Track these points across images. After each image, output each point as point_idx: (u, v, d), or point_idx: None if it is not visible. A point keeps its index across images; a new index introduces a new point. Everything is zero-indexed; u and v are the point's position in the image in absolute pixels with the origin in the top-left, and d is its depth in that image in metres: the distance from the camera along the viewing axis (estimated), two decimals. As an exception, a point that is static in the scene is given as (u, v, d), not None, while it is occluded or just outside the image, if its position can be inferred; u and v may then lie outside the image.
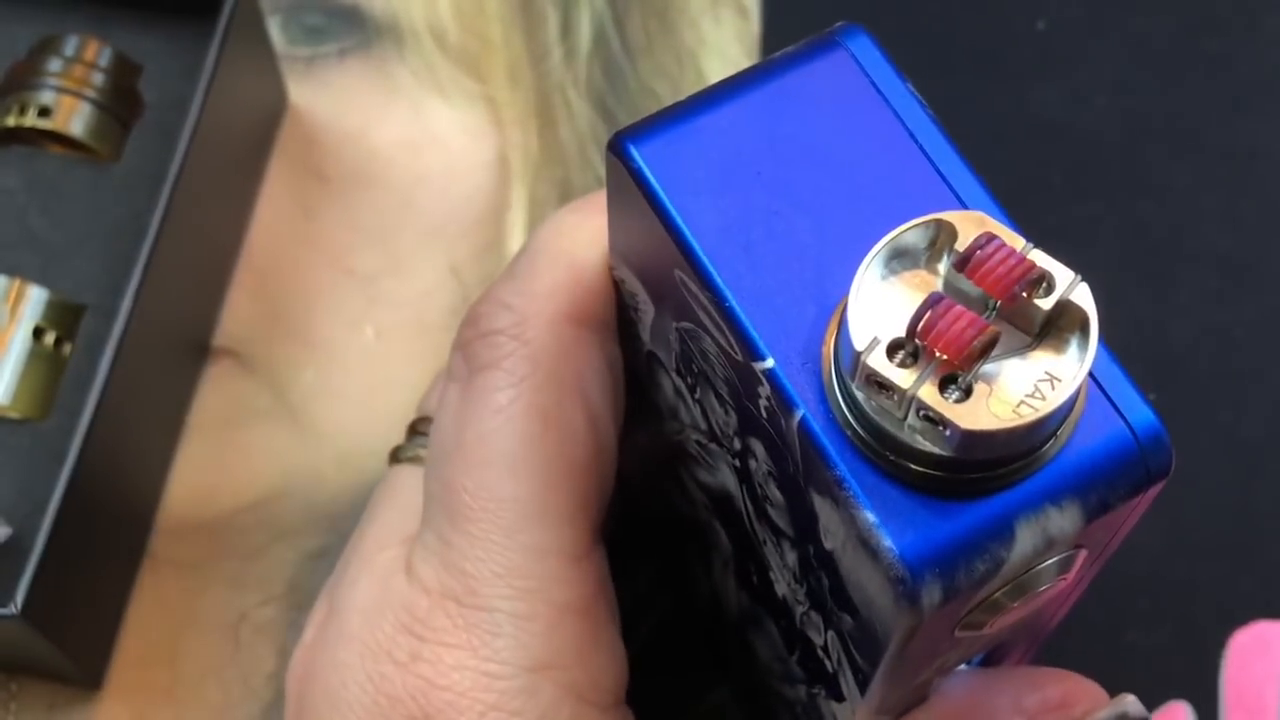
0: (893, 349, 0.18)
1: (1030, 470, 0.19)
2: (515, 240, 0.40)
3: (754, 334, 0.20)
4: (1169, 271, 0.40)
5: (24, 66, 0.37)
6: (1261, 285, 0.39)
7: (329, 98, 0.41)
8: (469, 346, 0.26)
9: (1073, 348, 0.18)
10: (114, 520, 0.35)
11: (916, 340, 0.18)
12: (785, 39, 0.23)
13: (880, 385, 0.19)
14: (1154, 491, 0.20)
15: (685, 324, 0.22)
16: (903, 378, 0.18)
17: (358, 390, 0.38)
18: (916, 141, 0.21)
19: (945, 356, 0.18)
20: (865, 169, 0.21)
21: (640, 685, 0.28)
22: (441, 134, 0.41)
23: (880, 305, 0.19)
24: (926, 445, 0.19)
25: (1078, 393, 0.19)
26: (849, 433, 0.19)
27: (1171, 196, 0.40)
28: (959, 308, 0.18)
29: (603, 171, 0.39)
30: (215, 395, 0.38)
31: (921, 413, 0.18)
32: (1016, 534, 0.19)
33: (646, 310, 0.24)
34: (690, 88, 0.42)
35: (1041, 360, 0.18)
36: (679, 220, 0.21)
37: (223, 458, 0.37)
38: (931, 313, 0.18)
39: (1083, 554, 0.21)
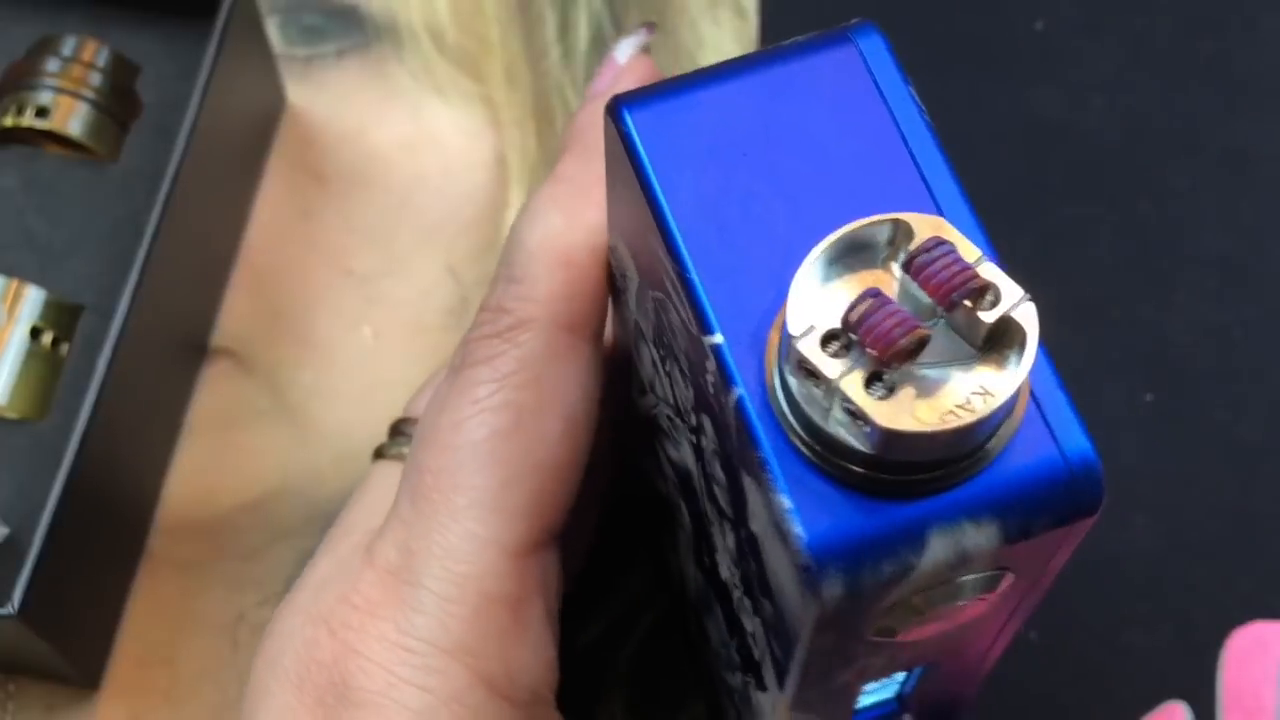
0: (829, 339, 0.18)
1: (953, 482, 0.19)
2: (513, 240, 0.40)
3: (708, 308, 0.20)
4: (1168, 272, 0.40)
5: (22, 66, 0.37)
6: (1260, 285, 0.39)
7: (327, 98, 0.41)
8: (466, 345, 0.27)
9: (1011, 365, 0.18)
10: (112, 520, 0.35)
11: (850, 333, 0.18)
12: (784, 38, 0.23)
13: (810, 373, 0.19)
14: (1083, 525, 0.20)
15: (658, 293, 0.22)
16: (831, 367, 0.18)
17: (356, 390, 0.38)
18: (907, 145, 0.21)
19: (874, 351, 0.18)
20: (850, 164, 0.21)
21: (637, 685, 0.28)
22: (439, 134, 0.41)
23: (828, 296, 0.19)
24: (848, 439, 0.19)
25: (1007, 410, 0.19)
26: (780, 418, 0.20)
27: (1170, 197, 0.40)
28: (893, 305, 0.18)
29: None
30: (213, 395, 0.38)
31: (845, 405, 0.18)
32: (929, 543, 0.19)
33: (632, 279, 0.25)
34: (689, 88, 0.42)
35: (980, 374, 0.18)
36: (657, 188, 0.21)
37: (221, 458, 0.37)
38: (864, 306, 0.18)
39: (1009, 578, 0.21)
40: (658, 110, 0.21)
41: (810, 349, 0.18)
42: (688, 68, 0.43)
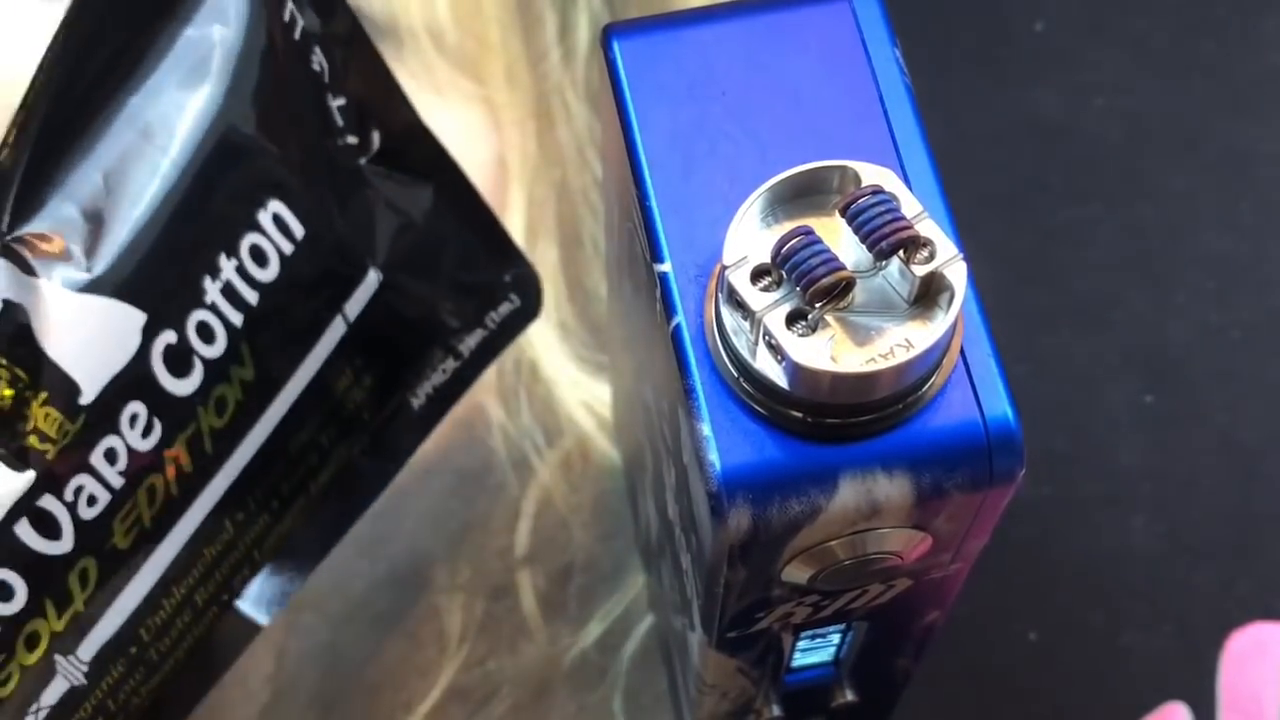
0: (761, 274, 0.19)
1: (872, 431, 0.19)
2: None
3: (660, 236, 0.21)
4: (1167, 273, 0.40)
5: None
6: (1259, 286, 0.39)
7: (327, 99, 0.41)
8: None
9: (936, 321, 0.19)
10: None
11: (780, 270, 0.19)
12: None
13: (740, 305, 0.19)
14: (1000, 494, 0.20)
15: (628, 223, 0.23)
16: (757, 299, 0.19)
17: (356, 391, 0.38)
18: (883, 103, 0.22)
19: (797, 287, 0.18)
20: (824, 115, 0.21)
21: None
22: (439, 135, 0.41)
23: (772, 236, 0.19)
24: (768, 375, 0.19)
25: (927, 365, 0.19)
26: (713, 350, 0.20)
27: (1169, 198, 0.40)
28: (820, 245, 0.18)
29: (600, 173, 0.39)
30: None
31: (768, 339, 0.19)
32: (840, 486, 0.19)
33: (612, 207, 0.25)
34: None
35: (908, 327, 0.19)
36: (632, 115, 0.21)
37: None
38: (792, 242, 0.18)
39: (925, 540, 0.21)
40: (645, 41, 0.22)
41: (740, 280, 0.19)
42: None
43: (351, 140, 0.30)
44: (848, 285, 0.19)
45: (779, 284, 0.19)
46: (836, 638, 0.26)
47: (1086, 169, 0.41)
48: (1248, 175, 0.40)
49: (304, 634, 0.36)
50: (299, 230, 0.28)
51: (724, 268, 0.19)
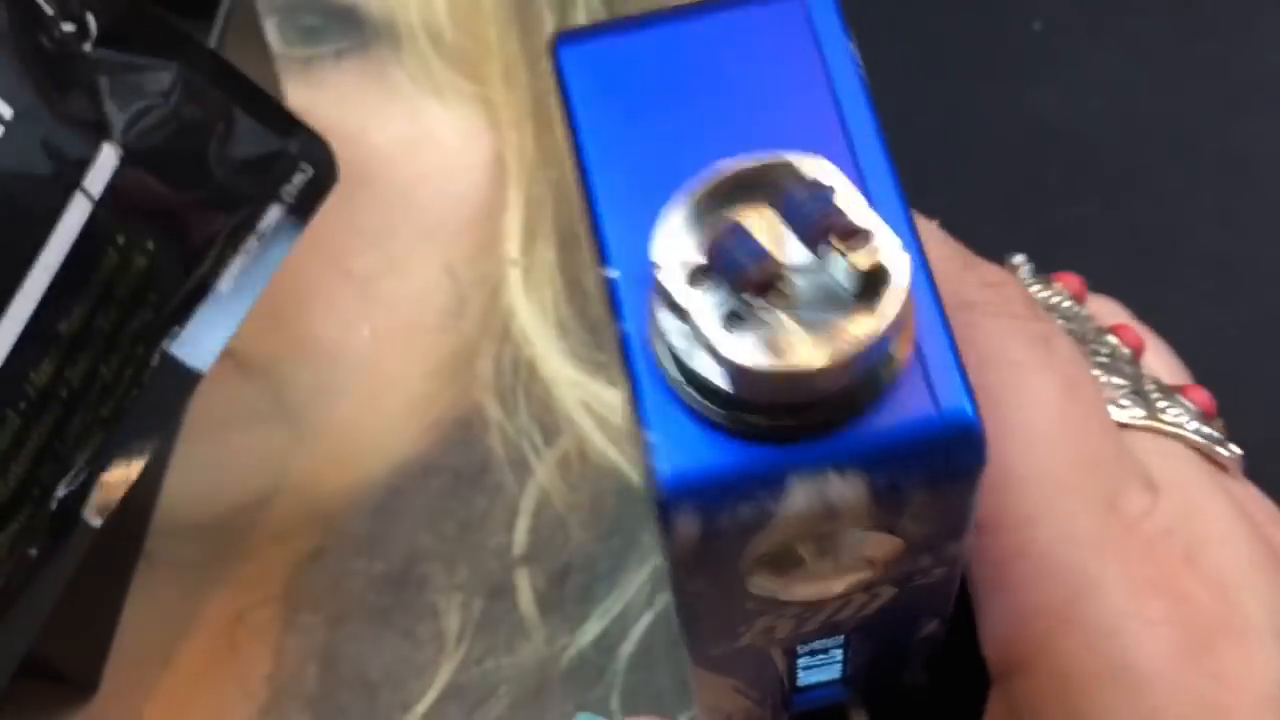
0: (699, 274, 0.18)
1: (821, 430, 0.19)
2: (511, 241, 0.40)
3: (607, 241, 0.20)
4: (1165, 273, 0.40)
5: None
6: (1257, 286, 0.39)
7: (325, 99, 0.41)
8: None
9: (879, 315, 0.18)
10: (110, 521, 0.35)
11: (714, 267, 0.18)
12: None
13: (674, 306, 0.18)
14: (964, 490, 0.20)
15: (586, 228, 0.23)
16: (690, 298, 0.18)
17: (355, 390, 0.38)
18: (836, 99, 0.21)
19: (727, 283, 0.18)
20: (776, 116, 0.21)
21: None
22: (438, 135, 0.41)
23: (711, 234, 0.18)
24: (710, 377, 0.18)
25: (871, 360, 0.18)
26: (657, 355, 0.19)
27: (1167, 198, 0.40)
28: (751, 239, 0.18)
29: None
30: (211, 396, 0.38)
31: (704, 340, 0.18)
32: (789, 488, 0.19)
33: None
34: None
35: (852, 321, 0.18)
36: (580, 121, 0.21)
37: (219, 459, 0.37)
38: (722, 237, 0.18)
39: (896, 544, 0.20)
40: (592, 49, 0.21)
41: (671, 280, 0.18)
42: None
43: (69, 28, 0.31)
44: (780, 279, 0.18)
45: (719, 285, 0.18)
46: (839, 653, 0.26)
47: (1084, 169, 0.41)
48: (1246, 175, 0.40)
49: (302, 633, 0.36)
50: (6, 112, 0.30)
51: (654, 268, 0.18)
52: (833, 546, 0.20)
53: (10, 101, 0.29)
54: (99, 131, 0.31)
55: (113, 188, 0.31)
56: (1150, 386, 0.28)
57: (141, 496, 0.36)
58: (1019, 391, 0.24)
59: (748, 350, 0.18)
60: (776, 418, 0.19)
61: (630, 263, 0.20)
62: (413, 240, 0.40)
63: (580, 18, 0.42)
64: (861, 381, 0.19)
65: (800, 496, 0.19)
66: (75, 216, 0.30)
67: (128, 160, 0.31)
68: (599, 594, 0.36)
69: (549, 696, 0.35)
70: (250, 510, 0.37)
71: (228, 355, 0.38)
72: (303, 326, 0.39)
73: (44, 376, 0.30)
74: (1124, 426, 0.26)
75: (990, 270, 0.26)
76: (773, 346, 0.18)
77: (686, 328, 0.18)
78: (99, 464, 0.32)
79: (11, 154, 0.29)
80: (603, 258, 0.20)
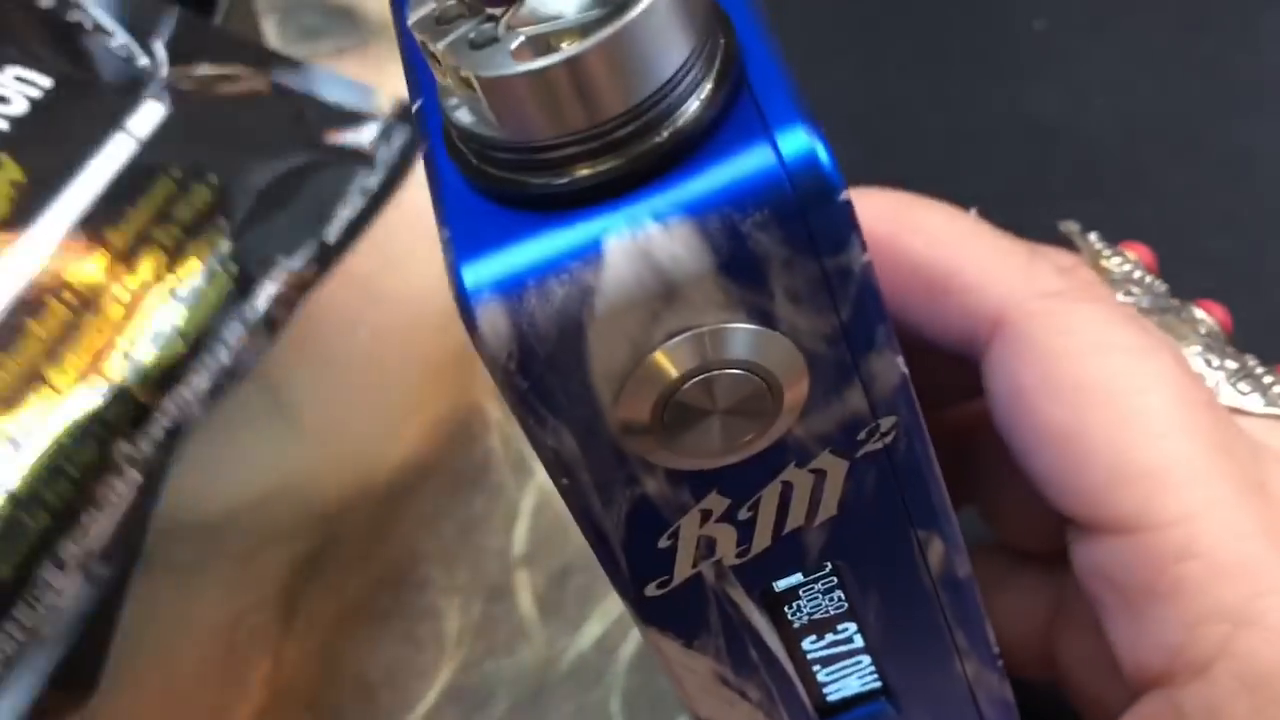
0: (448, 18, 0.16)
1: (632, 183, 0.16)
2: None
3: (418, 76, 0.19)
4: (1166, 273, 0.39)
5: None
6: (1259, 286, 0.39)
7: (324, 97, 0.41)
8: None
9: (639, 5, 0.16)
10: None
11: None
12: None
13: (433, 58, 0.16)
14: (836, 247, 0.17)
15: None
16: (436, 36, 0.16)
17: (352, 390, 0.38)
18: None
19: (470, 7, 0.16)
20: None
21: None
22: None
23: None
24: (477, 125, 0.16)
25: (645, 66, 0.16)
26: (447, 148, 0.17)
27: (1169, 197, 0.40)
28: None
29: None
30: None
31: (457, 75, 0.16)
32: (605, 251, 0.16)
33: None
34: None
35: (600, 27, 0.16)
36: None
37: (216, 458, 0.37)
38: None
39: (785, 347, 0.17)
40: None
41: (422, 29, 0.16)
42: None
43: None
44: None
45: (467, 18, 0.16)
46: (858, 638, 0.22)
47: (1086, 168, 0.41)
48: (1248, 174, 0.40)
49: (301, 635, 0.36)
50: (45, 81, 0.33)
51: (409, 27, 0.16)
52: (698, 350, 0.17)
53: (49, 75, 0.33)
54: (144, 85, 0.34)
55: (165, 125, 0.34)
56: (1256, 366, 0.27)
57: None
58: (1135, 376, 0.23)
59: (492, 59, 0.16)
60: (571, 169, 0.16)
61: (430, 87, 0.18)
62: (411, 239, 0.40)
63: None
64: (660, 115, 0.16)
65: (621, 261, 0.16)
66: (118, 149, 0.33)
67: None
68: (599, 596, 0.36)
69: (549, 698, 0.35)
70: (249, 511, 0.37)
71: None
72: (301, 326, 0.39)
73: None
74: (1240, 413, 0.25)
75: (1058, 254, 0.25)
76: (518, 54, 0.16)
77: (455, 93, 0.17)
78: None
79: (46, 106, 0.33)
80: (410, 92, 0.19)
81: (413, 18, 0.17)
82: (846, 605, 0.22)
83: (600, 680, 0.35)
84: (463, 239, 0.17)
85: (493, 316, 0.16)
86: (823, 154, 0.16)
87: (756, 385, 0.17)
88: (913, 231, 0.24)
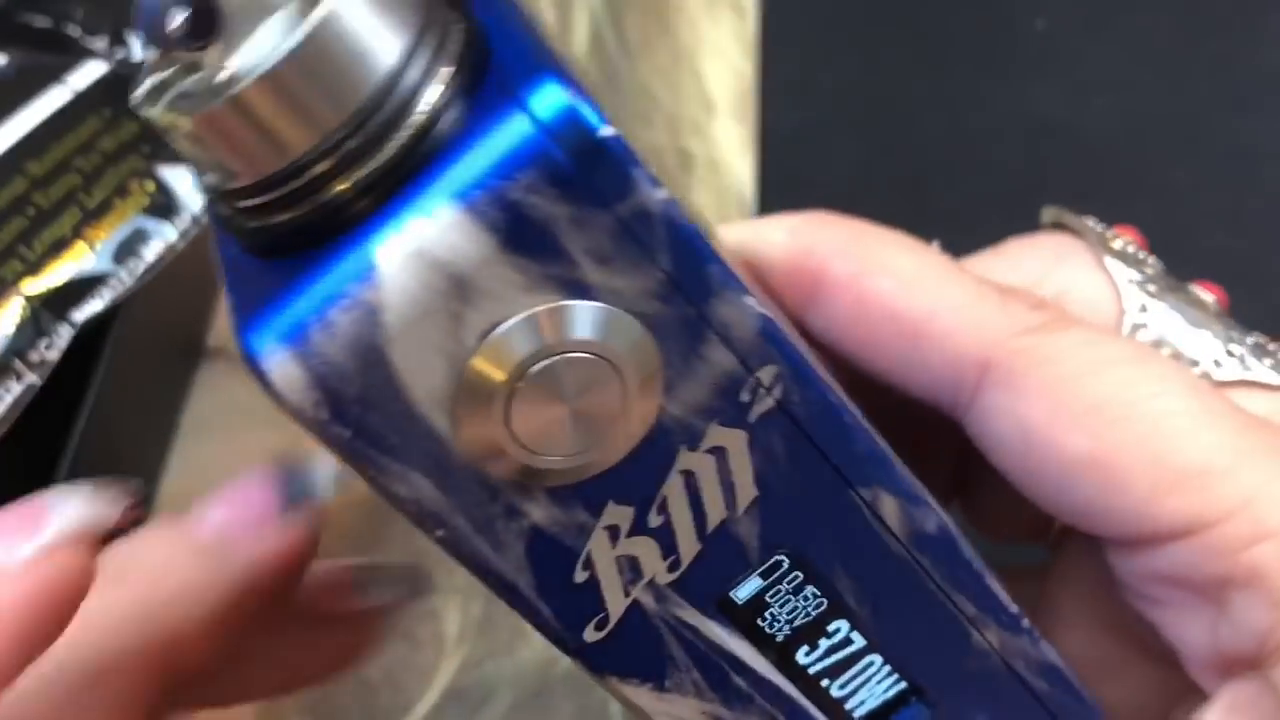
0: (159, 89, 0.16)
1: (387, 192, 0.15)
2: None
3: None
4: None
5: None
6: (1262, 285, 0.39)
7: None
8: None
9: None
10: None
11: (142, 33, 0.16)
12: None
13: (153, 124, 0.16)
14: (618, 194, 0.16)
15: None
16: (150, 104, 0.15)
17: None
18: None
19: (155, 46, 0.15)
20: None
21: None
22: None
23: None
24: (215, 179, 0.16)
25: (341, 66, 0.15)
26: (215, 214, 0.17)
27: (1171, 196, 0.40)
28: (146, 9, 0.15)
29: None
30: (209, 396, 0.38)
31: (168, 124, 0.15)
32: (378, 264, 0.15)
33: None
34: (687, 87, 0.42)
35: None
36: None
37: (217, 459, 0.37)
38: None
39: (605, 316, 0.16)
40: None
41: (141, 102, 0.16)
42: (685, 66, 0.43)
43: None
44: (201, 18, 0.15)
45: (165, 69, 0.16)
46: (852, 632, 0.20)
47: (1087, 167, 0.40)
48: (1249, 173, 0.40)
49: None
50: None
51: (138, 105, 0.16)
52: (539, 356, 0.16)
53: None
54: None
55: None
56: (1268, 342, 0.27)
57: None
58: (1144, 384, 0.22)
59: (196, 105, 0.15)
60: (315, 196, 0.15)
61: None
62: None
63: (580, 17, 0.42)
64: (390, 117, 0.15)
65: (398, 270, 0.15)
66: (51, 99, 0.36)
67: None
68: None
69: (548, 699, 0.35)
70: (249, 511, 0.37)
71: (226, 355, 0.38)
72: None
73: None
74: (1264, 387, 0.25)
75: (1024, 292, 0.25)
76: (213, 91, 0.15)
77: (188, 153, 0.16)
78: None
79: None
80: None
81: (136, 98, 0.16)
82: (824, 600, 0.20)
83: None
84: (243, 304, 0.16)
85: (283, 369, 0.15)
86: (576, 101, 0.15)
87: (597, 364, 0.16)
88: (879, 273, 0.23)
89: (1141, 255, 0.29)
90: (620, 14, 0.42)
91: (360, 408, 0.16)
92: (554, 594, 0.18)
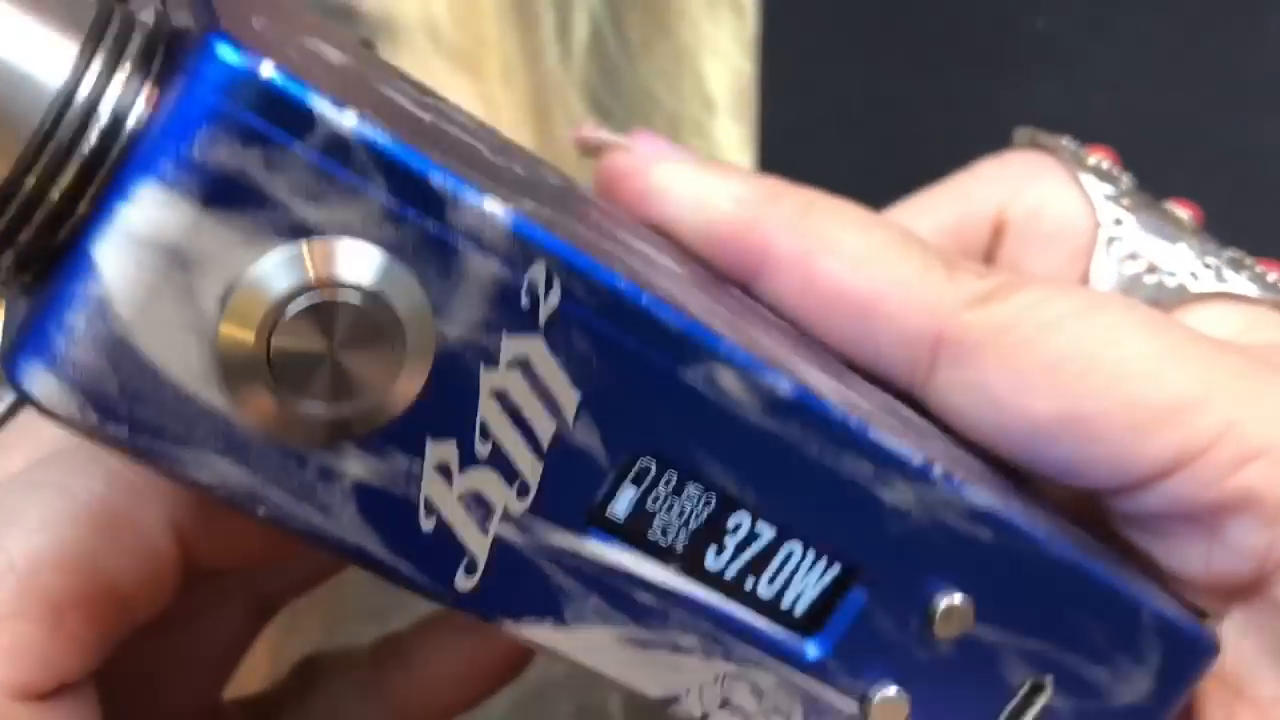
0: None
1: (93, 197, 0.16)
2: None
3: None
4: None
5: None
6: (1262, 286, 0.39)
7: (324, 97, 0.41)
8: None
9: None
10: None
11: None
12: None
13: None
14: (284, 118, 0.16)
15: None
16: None
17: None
18: None
19: None
20: None
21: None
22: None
23: None
24: None
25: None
26: None
27: (1172, 195, 0.40)
28: None
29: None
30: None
31: None
32: (94, 257, 0.15)
33: None
34: (687, 86, 0.42)
35: None
36: None
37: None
38: None
39: (396, 277, 0.16)
40: None
41: None
42: (685, 66, 0.43)
43: None
44: None
45: None
46: (758, 522, 0.19)
47: (1087, 168, 0.40)
48: (1250, 173, 0.40)
49: (300, 633, 0.36)
50: None
51: None
52: (284, 307, 0.16)
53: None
54: None
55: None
56: (1244, 256, 0.27)
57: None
58: (1099, 332, 0.22)
59: None
60: (29, 221, 0.16)
61: None
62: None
63: (580, 16, 0.42)
64: (70, 133, 0.16)
65: (112, 258, 0.15)
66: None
67: None
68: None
69: (549, 698, 0.35)
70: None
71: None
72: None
73: None
74: (1240, 299, 0.25)
75: (968, 261, 0.25)
76: None
77: None
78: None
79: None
80: None
81: None
82: (710, 492, 0.19)
83: (600, 680, 0.35)
84: (5, 342, 0.16)
85: (43, 385, 0.16)
86: (238, 51, 0.15)
87: (348, 299, 0.16)
88: (826, 252, 0.23)
89: (1116, 171, 0.29)
90: (620, 14, 0.42)
91: (127, 403, 0.16)
92: (407, 549, 0.18)
